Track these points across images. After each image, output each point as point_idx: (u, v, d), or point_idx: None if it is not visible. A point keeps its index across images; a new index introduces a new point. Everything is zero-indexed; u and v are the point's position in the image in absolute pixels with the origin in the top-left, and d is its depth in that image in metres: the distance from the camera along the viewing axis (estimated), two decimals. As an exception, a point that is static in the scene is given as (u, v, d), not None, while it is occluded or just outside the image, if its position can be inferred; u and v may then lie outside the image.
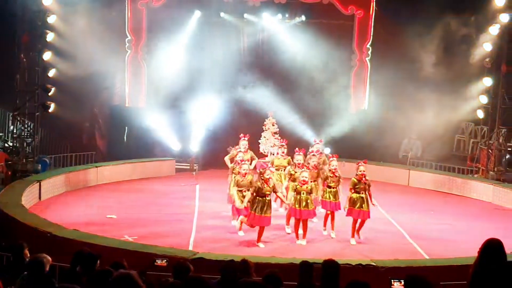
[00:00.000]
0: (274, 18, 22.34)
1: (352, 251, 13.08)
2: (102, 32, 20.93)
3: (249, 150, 15.89)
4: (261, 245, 13.04)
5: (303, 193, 13.28)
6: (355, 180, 13.59)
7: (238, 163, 14.29)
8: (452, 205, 18.20)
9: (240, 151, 15.17)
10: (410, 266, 11.21)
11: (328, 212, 14.15)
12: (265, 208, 12.91)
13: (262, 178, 13.09)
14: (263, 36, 22.51)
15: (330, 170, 14.27)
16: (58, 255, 8.46)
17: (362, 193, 13.51)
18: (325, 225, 14.23)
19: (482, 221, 16.36)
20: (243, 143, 15.72)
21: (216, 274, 7.40)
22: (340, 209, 14.07)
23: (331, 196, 14.10)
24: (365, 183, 13.54)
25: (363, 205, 13.49)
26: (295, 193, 13.37)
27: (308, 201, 13.31)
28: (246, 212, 13.32)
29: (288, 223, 14.14)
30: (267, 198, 13.03)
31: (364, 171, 13.63)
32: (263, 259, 11.07)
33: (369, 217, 13.63)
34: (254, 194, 13.01)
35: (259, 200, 12.90)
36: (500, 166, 20.59)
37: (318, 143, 16.29)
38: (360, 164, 13.90)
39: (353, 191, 13.54)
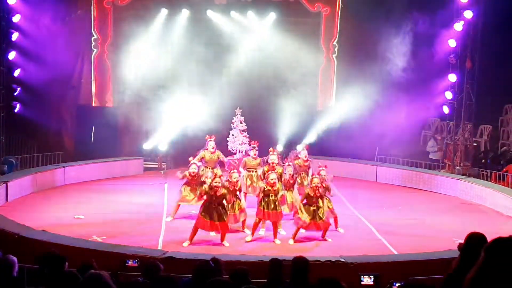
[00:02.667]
0: (242, 16, 22.33)
1: (322, 248, 13.16)
2: (67, 31, 20.73)
3: (217, 150, 15.97)
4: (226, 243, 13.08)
5: (271, 195, 13.33)
6: (309, 192, 13.43)
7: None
8: (419, 200, 18.41)
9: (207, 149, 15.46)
10: (379, 261, 11.33)
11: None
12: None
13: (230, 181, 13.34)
14: (229, 34, 22.42)
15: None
16: (26, 256, 8.38)
17: (314, 205, 13.32)
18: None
19: (449, 215, 16.57)
20: (211, 143, 15.81)
21: (186, 273, 7.41)
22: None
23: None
24: (317, 196, 13.34)
25: (318, 216, 13.30)
26: (263, 195, 13.40)
27: (276, 203, 13.37)
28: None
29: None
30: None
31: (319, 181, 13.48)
32: (233, 257, 11.09)
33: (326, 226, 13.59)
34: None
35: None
36: (466, 161, 20.89)
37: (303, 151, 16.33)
38: (321, 168, 14.02)
39: (304, 202, 13.43)
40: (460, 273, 5.21)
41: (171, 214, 15.11)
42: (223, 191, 13.09)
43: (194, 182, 14.59)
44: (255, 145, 16.28)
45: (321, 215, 13.32)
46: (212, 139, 15.99)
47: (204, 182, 13.60)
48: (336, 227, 14.40)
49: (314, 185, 13.39)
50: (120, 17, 21.85)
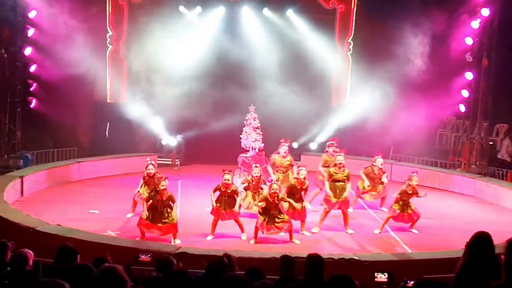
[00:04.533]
0: (257, 12, 22.33)
1: (334, 245, 13.14)
2: (83, 27, 20.80)
3: (288, 155, 16.07)
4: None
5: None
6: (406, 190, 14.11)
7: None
8: (434, 199, 18.30)
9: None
10: (393, 260, 11.29)
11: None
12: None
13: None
14: (245, 31, 22.43)
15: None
16: (41, 250, 8.42)
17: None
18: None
19: (464, 215, 16.48)
20: (284, 148, 15.90)
21: (199, 268, 7.42)
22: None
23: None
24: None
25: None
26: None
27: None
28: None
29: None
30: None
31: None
32: (246, 253, 11.09)
33: None
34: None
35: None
36: (482, 160, 20.75)
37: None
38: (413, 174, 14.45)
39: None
40: (466, 271, 5.19)
41: (131, 210, 14.97)
42: (234, 187, 13.37)
43: (152, 182, 14.25)
44: (285, 143, 16.16)
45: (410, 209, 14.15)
46: (286, 144, 15.98)
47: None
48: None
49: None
50: (135, 14, 21.91)
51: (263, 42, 22.18)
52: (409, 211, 14.16)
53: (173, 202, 12.98)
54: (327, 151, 16.52)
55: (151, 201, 12.84)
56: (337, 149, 15.91)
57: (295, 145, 21.68)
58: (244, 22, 22.38)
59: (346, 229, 14.17)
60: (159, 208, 12.80)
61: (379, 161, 15.50)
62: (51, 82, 20.28)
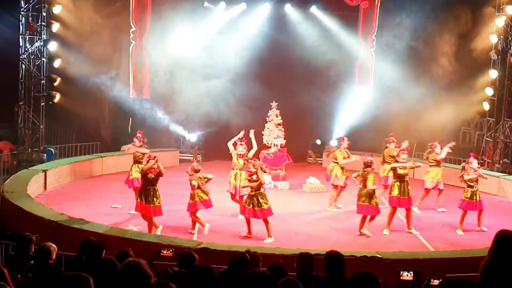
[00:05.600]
0: (280, 8, 22.29)
1: (357, 243, 13.07)
2: (107, 22, 20.92)
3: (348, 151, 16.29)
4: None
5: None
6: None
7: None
8: (457, 198, 18.12)
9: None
10: (416, 258, 11.20)
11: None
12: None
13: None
14: (268, 27, 22.38)
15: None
16: (63, 244, 8.47)
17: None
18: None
19: (487, 213, 16.28)
20: (345, 144, 16.20)
21: (220, 264, 7.41)
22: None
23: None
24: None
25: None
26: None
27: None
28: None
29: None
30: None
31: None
32: (268, 249, 11.07)
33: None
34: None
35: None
36: (506, 159, 20.54)
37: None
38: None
39: None
40: (491, 270, 5.13)
41: None
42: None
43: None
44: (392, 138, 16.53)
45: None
46: (346, 139, 16.26)
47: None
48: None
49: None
50: (158, 9, 21.96)
51: (286, 39, 22.14)
52: (479, 198, 14.28)
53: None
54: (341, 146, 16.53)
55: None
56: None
57: (318, 141, 21.70)
58: (268, 19, 22.34)
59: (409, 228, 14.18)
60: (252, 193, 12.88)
61: (474, 163, 14.95)
62: (75, 77, 20.41)
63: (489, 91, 21.02)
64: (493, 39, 20.64)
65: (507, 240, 5.39)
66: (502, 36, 20.70)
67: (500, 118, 20.90)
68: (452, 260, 11.09)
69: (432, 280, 7.15)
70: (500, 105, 20.89)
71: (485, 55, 21.01)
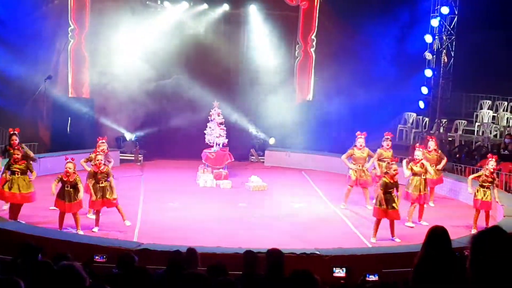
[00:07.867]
0: (219, 7, 22.26)
1: (297, 240, 13.21)
2: (44, 20, 20.54)
3: (365, 147, 16.18)
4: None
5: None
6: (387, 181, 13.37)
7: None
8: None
9: None
10: (354, 254, 11.41)
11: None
12: None
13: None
14: (204, 27, 22.28)
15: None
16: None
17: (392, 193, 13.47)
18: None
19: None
20: (360, 140, 16.11)
21: (161, 265, 7.42)
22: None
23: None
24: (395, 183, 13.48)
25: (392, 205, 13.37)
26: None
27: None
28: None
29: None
30: None
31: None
32: (208, 249, 11.09)
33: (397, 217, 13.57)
34: None
35: None
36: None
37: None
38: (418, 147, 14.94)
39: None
40: (424, 266, 5.30)
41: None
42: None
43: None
44: (388, 136, 16.46)
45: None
46: (363, 136, 16.13)
47: None
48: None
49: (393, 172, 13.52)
50: (97, 7, 21.65)
51: (229, 39, 22.18)
52: (490, 198, 14.21)
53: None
54: (382, 146, 16.58)
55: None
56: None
57: (272, 140, 21.93)
58: (210, 19, 22.27)
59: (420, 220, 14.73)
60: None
61: (491, 164, 14.71)
62: (11, 76, 19.98)
63: (424, 90, 21.57)
64: (428, 39, 21.20)
65: (438, 235, 5.57)
66: (437, 36, 21.27)
67: (435, 117, 21.43)
68: (389, 256, 11.33)
69: (368, 276, 7.30)
70: (435, 103, 21.44)
71: (421, 55, 21.53)
